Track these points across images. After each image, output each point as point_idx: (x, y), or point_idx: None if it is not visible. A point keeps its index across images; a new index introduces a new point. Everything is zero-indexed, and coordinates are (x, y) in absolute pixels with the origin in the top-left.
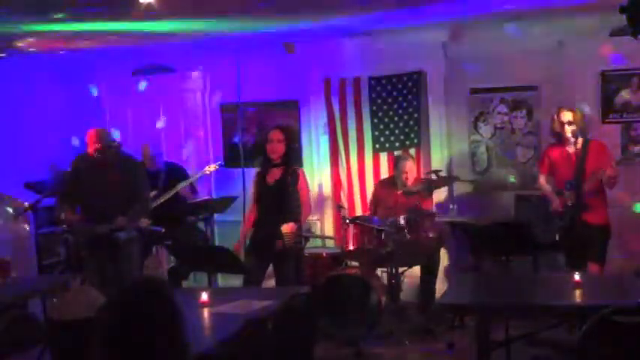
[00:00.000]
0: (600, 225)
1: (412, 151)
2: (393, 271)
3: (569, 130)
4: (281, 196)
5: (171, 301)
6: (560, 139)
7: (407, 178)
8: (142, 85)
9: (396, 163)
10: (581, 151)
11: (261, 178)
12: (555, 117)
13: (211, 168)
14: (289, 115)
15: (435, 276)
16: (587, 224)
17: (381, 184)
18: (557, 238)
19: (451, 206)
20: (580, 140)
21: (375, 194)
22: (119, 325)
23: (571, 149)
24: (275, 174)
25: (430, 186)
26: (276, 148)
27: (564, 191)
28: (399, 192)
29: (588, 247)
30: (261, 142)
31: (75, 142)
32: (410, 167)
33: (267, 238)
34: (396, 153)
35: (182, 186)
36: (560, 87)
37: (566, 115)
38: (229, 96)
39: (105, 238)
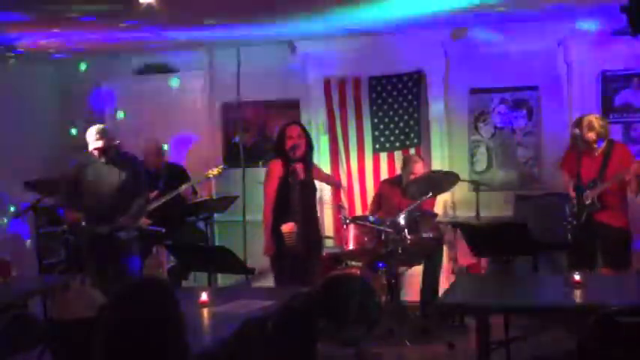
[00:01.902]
0: (619, 228)
1: (412, 151)
2: (393, 271)
3: (593, 145)
4: (309, 195)
5: (172, 301)
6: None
7: (414, 180)
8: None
9: (405, 164)
10: (605, 153)
11: (290, 169)
12: (577, 133)
13: (214, 172)
14: (289, 115)
15: (438, 276)
16: (604, 225)
17: (386, 183)
18: (569, 238)
19: (451, 206)
20: (604, 143)
21: (379, 193)
22: (120, 324)
23: (595, 152)
24: (300, 170)
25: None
26: (298, 143)
27: (585, 189)
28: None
29: (604, 251)
30: (276, 139)
31: (73, 131)
32: (419, 169)
33: (310, 237)
34: (405, 154)
35: (185, 187)
36: (560, 87)
37: (591, 136)
38: (229, 96)
39: (105, 238)
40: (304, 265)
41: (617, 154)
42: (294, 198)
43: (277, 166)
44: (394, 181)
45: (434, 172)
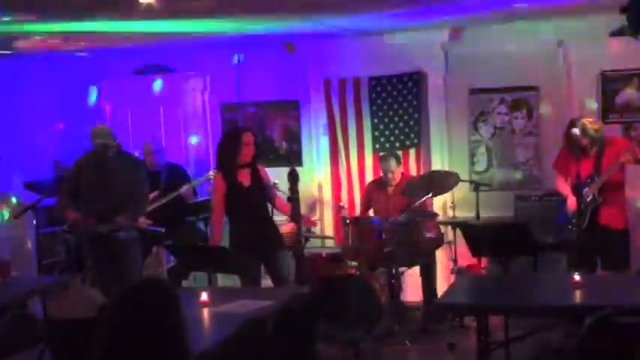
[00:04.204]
0: (619, 229)
1: (412, 151)
2: (393, 271)
3: (588, 146)
4: (261, 195)
5: (172, 302)
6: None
7: (393, 178)
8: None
9: (380, 164)
10: (598, 152)
11: (232, 180)
12: (577, 133)
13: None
14: (289, 115)
15: (434, 276)
16: (605, 227)
17: (371, 185)
18: (571, 239)
19: (451, 206)
20: (597, 146)
21: (366, 194)
22: (120, 325)
23: (590, 152)
24: (247, 174)
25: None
26: (250, 150)
27: (585, 186)
28: (390, 192)
29: (604, 252)
30: (229, 145)
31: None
32: (393, 167)
33: (256, 238)
34: (381, 153)
35: (185, 189)
36: (560, 87)
37: (584, 141)
38: (229, 96)
39: (105, 238)
40: (269, 263)
41: (610, 147)
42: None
43: (225, 180)
44: (378, 183)
45: (434, 172)
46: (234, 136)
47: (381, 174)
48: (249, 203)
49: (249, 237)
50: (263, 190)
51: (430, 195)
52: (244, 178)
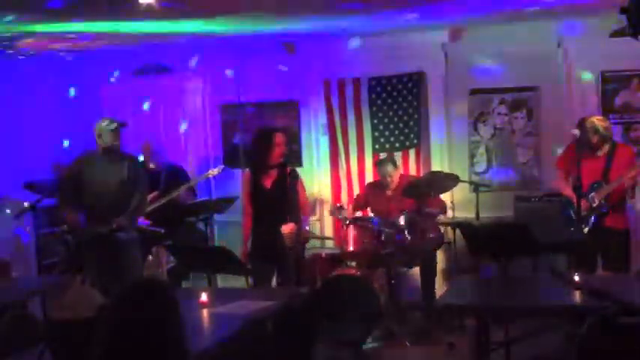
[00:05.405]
0: (621, 230)
1: (412, 151)
2: (393, 271)
3: (598, 144)
4: (282, 198)
5: (171, 302)
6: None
7: (392, 181)
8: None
9: (378, 168)
10: (608, 155)
11: (256, 180)
12: (577, 134)
13: (214, 172)
14: (289, 116)
15: (434, 276)
16: (608, 228)
17: (371, 187)
18: (573, 240)
19: (451, 207)
20: (607, 146)
21: (364, 196)
22: (119, 325)
23: (599, 152)
24: (272, 176)
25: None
26: (281, 151)
27: (587, 191)
28: (390, 194)
29: (605, 253)
30: (260, 144)
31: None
32: (390, 171)
33: (271, 240)
34: (380, 156)
35: (185, 189)
36: (560, 87)
37: (594, 139)
38: (229, 96)
39: (105, 238)
40: (280, 266)
41: (621, 155)
42: (294, 200)
43: (250, 179)
44: (377, 185)
45: (434, 172)
46: (266, 137)
47: (380, 177)
48: (268, 206)
49: (263, 238)
50: (287, 193)
51: (432, 194)
52: (269, 179)
